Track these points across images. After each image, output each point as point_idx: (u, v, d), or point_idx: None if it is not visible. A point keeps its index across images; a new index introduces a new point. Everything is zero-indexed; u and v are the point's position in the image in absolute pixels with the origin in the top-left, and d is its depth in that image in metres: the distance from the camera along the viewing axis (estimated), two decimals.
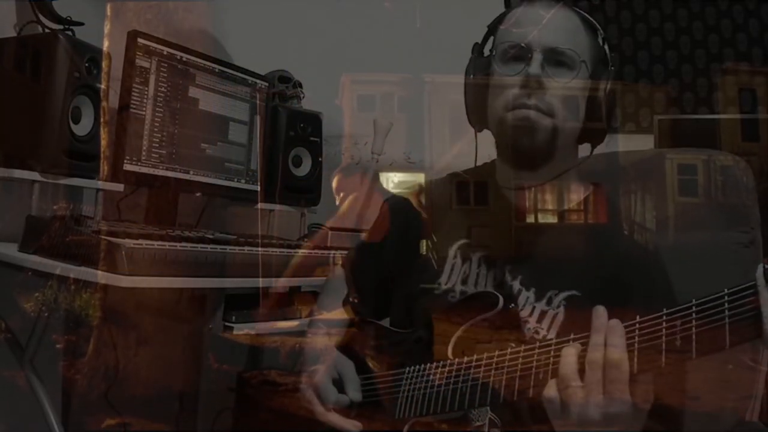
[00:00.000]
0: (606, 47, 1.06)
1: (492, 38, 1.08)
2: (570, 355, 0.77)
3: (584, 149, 1.05)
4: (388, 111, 2.07)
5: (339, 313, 1.16)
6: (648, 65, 2.35)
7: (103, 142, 1.45)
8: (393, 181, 1.90)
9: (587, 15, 1.05)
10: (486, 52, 1.08)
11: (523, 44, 0.98)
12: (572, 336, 0.80)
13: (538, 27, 0.98)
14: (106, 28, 1.53)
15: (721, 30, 2.33)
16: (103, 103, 1.46)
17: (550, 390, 0.77)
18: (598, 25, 1.06)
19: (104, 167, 1.47)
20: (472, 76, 1.06)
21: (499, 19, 1.08)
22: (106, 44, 1.47)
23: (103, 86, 1.45)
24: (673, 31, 2.34)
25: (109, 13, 1.54)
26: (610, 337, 0.75)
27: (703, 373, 0.79)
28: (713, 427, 0.92)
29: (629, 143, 2.35)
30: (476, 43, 1.10)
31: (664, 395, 0.78)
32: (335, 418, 0.98)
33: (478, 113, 1.06)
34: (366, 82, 2.13)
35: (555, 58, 0.98)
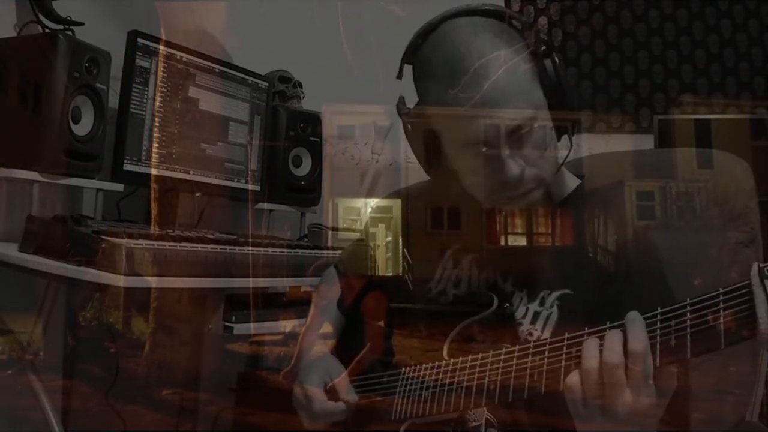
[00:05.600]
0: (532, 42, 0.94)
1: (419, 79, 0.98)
2: (592, 347, 0.75)
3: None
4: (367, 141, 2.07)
5: (334, 312, 1.16)
6: (648, 65, 2.35)
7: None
8: (371, 206, 1.91)
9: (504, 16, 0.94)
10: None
11: (484, 143, 0.90)
12: (566, 335, 0.79)
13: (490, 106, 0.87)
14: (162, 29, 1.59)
15: (721, 30, 2.33)
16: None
17: (573, 377, 0.76)
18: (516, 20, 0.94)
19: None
20: (409, 127, 0.99)
21: (424, 62, 0.95)
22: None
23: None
24: (673, 31, 2.34)
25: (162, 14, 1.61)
26: (631, 329, 0.73)
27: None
28: (714, 426, 0.92)
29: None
30: (401, 97, 1.00)
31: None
32: (328, 407, 0.97)
33: (432, 165, 1.01)
34: (345, 113, 2.12)
35: (520, 134, 0.90)
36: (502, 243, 1.00)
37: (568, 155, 0.97)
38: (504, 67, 0.88)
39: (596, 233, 0.98)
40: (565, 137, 0.97)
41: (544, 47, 0.92)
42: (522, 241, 0.99)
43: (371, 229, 1.21)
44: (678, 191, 1.11)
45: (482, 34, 0.91)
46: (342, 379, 0.99)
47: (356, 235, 1.57)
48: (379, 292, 1.09)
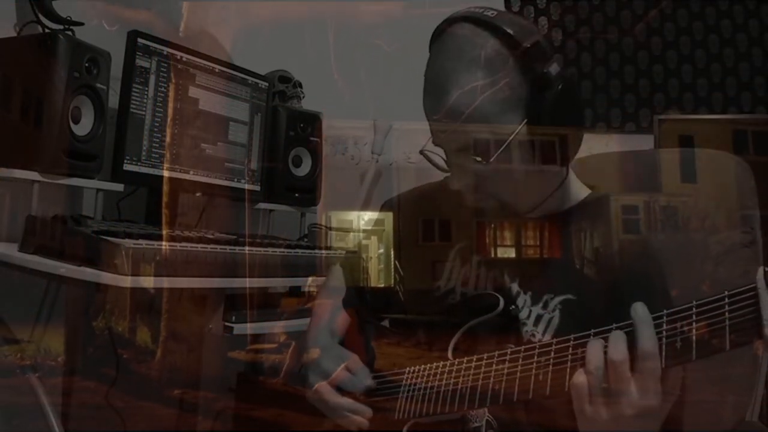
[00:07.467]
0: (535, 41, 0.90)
1: None
2: (597, 346, 0.75)
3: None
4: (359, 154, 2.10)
5: (338, 312, 1.16)
6: (648, 65, 2.35)
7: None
8: (363, 219, 1.93)
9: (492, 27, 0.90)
10: None
11: (441, 155, 0.96)
12: (572, 336, 0.79)
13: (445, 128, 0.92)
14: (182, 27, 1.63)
15: (721, 30, 2.33)
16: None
17: (579, 377, 0.76)
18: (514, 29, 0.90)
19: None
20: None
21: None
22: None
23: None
24: (673, 31, 2.34)
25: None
26: (640, 328, 0.73)
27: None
28: (715, 427, 0.92)
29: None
30: None
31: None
32: (347, 403, 0.97)
33: None
34: (339, 128, 2.13)
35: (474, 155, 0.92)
36: (492, 255, 1.00)
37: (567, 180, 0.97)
38: (475, 99, 0.89)
39: (599, 242, 0.98)
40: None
41: (537, 77, 0.90)
42: (511, 253, 0.99)
43: (364, 242, 1.22)
44: (678, 194, 1.11)
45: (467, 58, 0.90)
46: (355, 359, 1.00)
47: (356, 235, 1.57)
48: (351, 309, 1.09)
